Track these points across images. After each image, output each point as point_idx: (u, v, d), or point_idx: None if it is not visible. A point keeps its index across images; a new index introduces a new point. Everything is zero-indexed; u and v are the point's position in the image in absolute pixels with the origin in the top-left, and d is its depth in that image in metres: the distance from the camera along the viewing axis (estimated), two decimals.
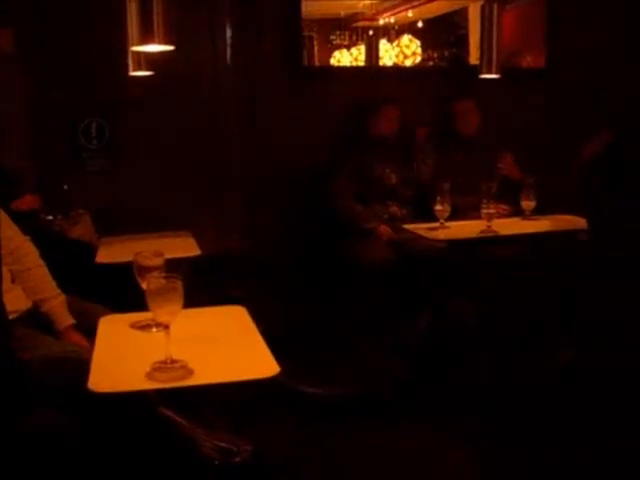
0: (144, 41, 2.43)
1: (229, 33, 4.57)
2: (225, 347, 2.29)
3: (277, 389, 2.36)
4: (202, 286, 3.41)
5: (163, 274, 2.19)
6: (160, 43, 2.42)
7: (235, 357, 2.20)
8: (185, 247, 3.64)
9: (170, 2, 2.46)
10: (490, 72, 3.85)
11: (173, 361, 2.06)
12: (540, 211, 4.25)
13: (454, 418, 3.20)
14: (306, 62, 6.43)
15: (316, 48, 7.29)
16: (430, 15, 7.40)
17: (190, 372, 2.04)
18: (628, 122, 4.30)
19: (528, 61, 5.56)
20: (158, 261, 2.42)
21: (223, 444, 1.95)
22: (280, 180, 4.73)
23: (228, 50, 4.58)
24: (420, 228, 4.08)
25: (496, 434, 3.06)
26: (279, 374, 2.03)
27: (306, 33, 6.69)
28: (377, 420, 3.11)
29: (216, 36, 4.59)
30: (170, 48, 2.46)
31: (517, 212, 4.32)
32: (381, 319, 4.02)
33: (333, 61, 6.90)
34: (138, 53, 3.40)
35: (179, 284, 2.06)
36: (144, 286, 2.22)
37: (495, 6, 3.76)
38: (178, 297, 2.06)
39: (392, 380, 3.39)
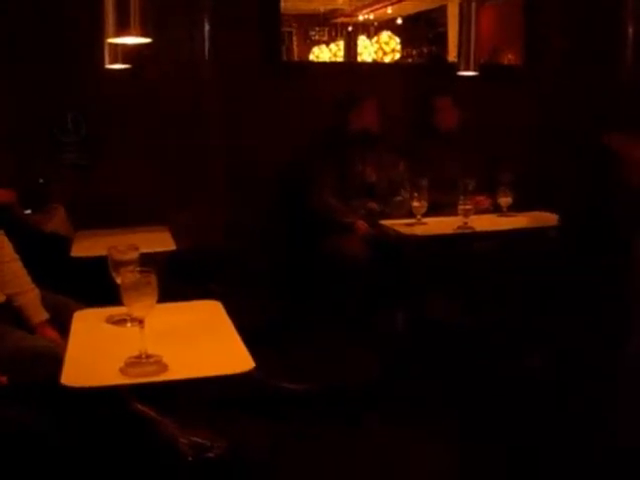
0: (120, 33, 2.41)
1: (207, 27, 4.55)
2: (200, 342, 2.27)
3: (254, 385, 2.35)
4: (179, 281, 3.39)
5: (138, 268, 2.18)
6: (137, 35, 2.40)
7: (210, 352, 2.19)
8: (161, 242, 3.62)
9: None
10: (468, 69, 3.86)
11: (147, 356, 2.05)
12: (517, 207, 4.27)
13: (431, 414, 3.20)
14: (285, 58, 6.44)
15: (295, 44, 7.29)
16: (409, 12, 7.42)
17: (164, 367, 2.03)
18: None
19: (509, 58, 5.59)
20: (133, 255, 2.40)
21: (197, 439, 1.94)
22: (259, 175, 4.71)
23: (207, 45, 4.56)
24: (397, 224, 4.08)
25: (474, 430, 3.06)
26: (255, 369, 2.02)
27: (285, 29, 6.69)
28: (354, 416, 3.11)
29: (195, 31, 4.56)
30: (147, 40, 2.44)
31: (495, 207, 4.34)
32: (359, 314, 4.02)
33: (312, 57, 6.90)
34: (115, 46, 3.38)
35: (153, 278, 2.05)
36: (118, 280, 2.20)
37: (473, 3, 3.78)
38: (152, 291, 2.04)
39: (370, 376, 3.39)
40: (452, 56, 5.92)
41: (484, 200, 4.46)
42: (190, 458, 1.88)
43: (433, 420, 3.13)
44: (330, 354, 3.65)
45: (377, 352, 3.69)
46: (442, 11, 6.95)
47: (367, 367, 3.46)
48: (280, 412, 2.91)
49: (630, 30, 5.15)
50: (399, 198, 4.52)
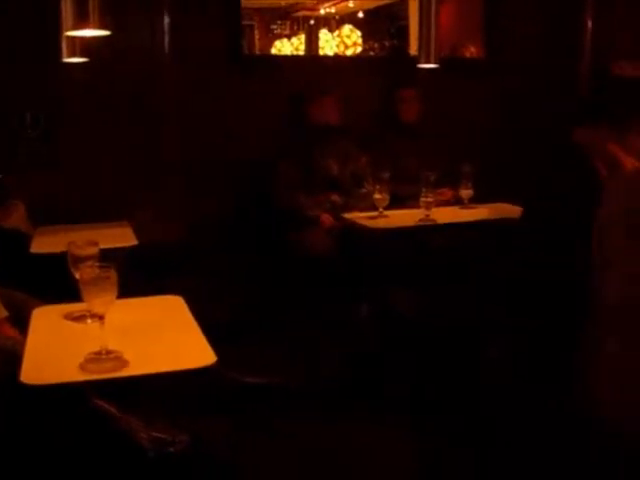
0: (78, 26, 2.38)
1: (167, 21, 4.51)
2: (161, 337, 2.26)
3: (217, 379, 2.34)
4: (140, 276, 3.37)
5: (97, 264, 2.16)
6: (95, 28, 2.38)
7: (171, 347, 2.18)
8: (122, 237, 3.59)
9: None
10: (429, 62, 3.87)
11: (108, 352, 2.04)
12: (479, 199, 4.30)
13: (394, 411, 3.21)
14: (247, 51, 6.42)
15: (257, 37, 7.27)
16: (371, 5, 7.43)
17: (125, 363, 2.02)
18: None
19: (471, 51, 5.63)
20: (92, 250, 2.38)
21: (158, 435, 1.93)
22: (220, 169, 4.69)
23: (166, 38, 4.52)
24: (359, 217, 4.10)
25: (443, 429, 3.07)
26: (217, 364, 2.01)
27: (247, 22, 6.67)
28: (317, 410, 3.11)
29: (154, 23, 4.52)
30: (105, 33, 2.42)
31: (456, 199, 4.37)
32: (323, 308, 4.02)
33: (274, 50, 6.88)
34: (73, 39, 3.33)
35: (113, 273, 2.03)
36: (77, 276, 2.18)
37: None
38: (112, 287, 2.03)
39: (334, 370, 3.39)
40: (414, 49, 5.95)
41: (447, 192, 4.49)
42: (151, 453, 1.87)
43: (395, 412, 3.14)
44: (294, 348, 3.65)
45: (341, 344, 3.69)
46: (403, 4, 6.96)
47: (330, 361, 3.46)
48: (242, 406, 2.90)
49: (589, 23, 5.21)
50: (362, 191, 4.54)
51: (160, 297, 2.61)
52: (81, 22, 2.35)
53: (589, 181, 2.55)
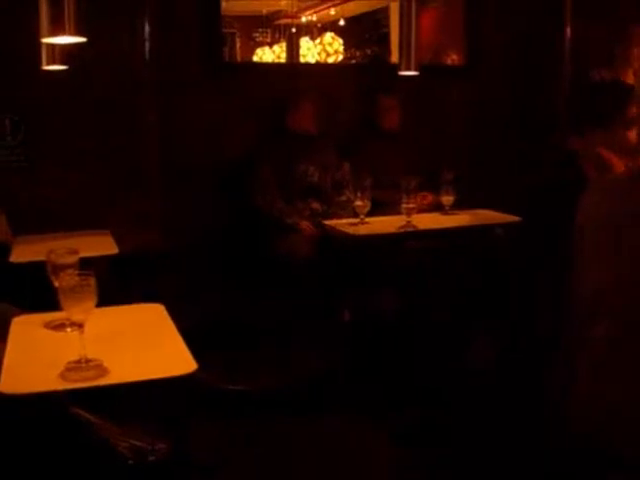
0: (55, 33, 2.37)
1: (148, 29, 4.50)
2: (142, 345, 2.26)
3: (198, 387, 2.34)
4: (121, 285, 3.35)
5: (77, 272, 2.15)
6: (71, 35, 2.37)
7: (152, 355, 2.17)
8: (102, 245, 3.57)
9: None
10: (409, 69, 3.88)
11: (87, 360, 2.02)
12: (460, 205, 4.32)
13: (378, 414, 3.21)
14: (228, 59, 6.43)
15: (238, 45, 7.29)
16: (352, 13, 7.47)
17: (105, 371, 2.00)
18: None
19: (453, 59, 5.66)
20: (72, 259, 2.36)
21: (137, 443, 1.92)
22: (201, 177, 4.68)
23: (147, 45, 4.51)
24: (340, 224, 4.10)
25: (422, 431, 3.08)
26: (198, 371, 2.01)
27: (228, 30, 6.68)
28: (299, 416, 3.11)
29: (135, 31, 4.51)
30: (82, 40, 2.41)
31: (437, 206, 4.38)
32: (304, 314, 4.02)
33: (256, 58, 6.90)
34: (52, 46, 3.32)
35: (92, 281, 2.02)
36: (57, 284, 2.16)
37: (413, 3, 3.79)
38: (91, 295, 2.01)
39: (315, 375, 3.39)
40: (395, 57, 5.97)
41: (428, 196, 4.50)
42: (131, 462, 1.86)
43: (374, 415, 3.14)
44: (275, 354, 3.64)
45: (323, 351, 3.69)
46: (385, 12, 7.00)
47: (313, 366, 3.46)
48: (223, 413, 2.90)
49: (569, 30, 5.25)
50: (343, 198, 4.55)
51: (141, 305, 2.60)
52: (57, 29, 2.34)
53: (576, 184, 2.58)
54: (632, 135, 2.65)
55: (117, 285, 3.24)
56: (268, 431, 2.88)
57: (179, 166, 4.64)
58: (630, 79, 4.32)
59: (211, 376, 2.66)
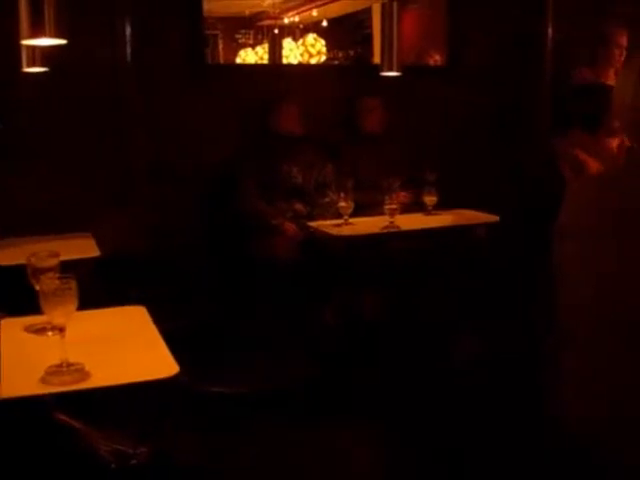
0: (35, 35, 2.36)
1: (129, 30, 4.48)
2: (124, 348, 2.25)
3: (182, 389, 2.33)
4: (104, 288, 3.33)
5: (57, 275, 2.14)
6: (51, 37, 2.35)
7: (134, 358, 2.17)
8: (84, 248, 3.55)
9: None
10: (391, 70, 3.89)
11: (69, 364, 2.02)
12: (442, 206, 4.33)
13: (359, 417, 3.20)
14: (211, 61, 6.39)
15: (221, 47, 7.24)
16: (335, 14, 7.44)
17: (87, 375, 2.00)
18: None
19: (435, 59, 5.67)
20: (53, 262, 2.35)
21: (119, 447, 1.91)
22: (185, 178, 4.66)
23: (128, 47, 4.49)
24: (324, 225, 4.11)
25: (401, 434, 3.08)
26: (180, 374, 2.00)
27: (211, 31, 6.65)
28: (282, 419, 3.10)
29: (116, 33, 4.49)
30: (62, 42, 2.40)
31: (420, 206, 4.39)
32: (288, 316, 4.01)
33: (239, 60, 6.86)
34: (32, 48, 3.30)
35: (73, 284, 2.01)
36: (37, 288, 2.15)
37: (395, 4, 3.80)
38: (72, 298, 2.01)
39: (298, 378, 3.39)
40: (378, 58, 5.97)
41: (406, 195, 4.50)
42: (113, 466, 1.86)
43: (362, 416, 3.14)
44: (259, 357, 3.64)
45: (308, 353, 3.69)
46: (368, 13, 6.99)
47: (297, 368, 3.46)
48: (207, 416, 2.89)
49: (549, 31, 5.27)
50: (326, 199, 4.54)
51: (123, 308, 2.59)
52: (37, 31, 2.33)
53: (557, 184, 2.61)
54: (613, 144, 2.70)
55: (101, 288, 3.23)
56: (252, 433, 2.87)
57: (162, 168, 4.61)
58: (611, 80, 4.34)
59: (194, 379, 2.65)
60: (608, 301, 1.73)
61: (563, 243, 1.89)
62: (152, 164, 4.60)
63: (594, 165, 2.67)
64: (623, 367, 1.75)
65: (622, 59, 4.48)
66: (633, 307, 1.67)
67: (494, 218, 4.12)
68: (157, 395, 2.27)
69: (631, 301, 1.68)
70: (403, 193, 4.39)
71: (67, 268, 2.37)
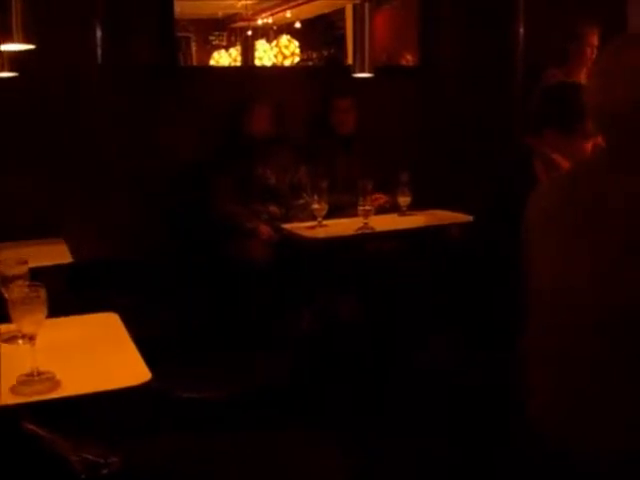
0: (2, 40, 2.34)
1: (99, 33, 4.45)
2: (95, 356, 2.23)
3: (154, 395, 2.31)
4: (77, 295, 3.31)
5: (27, 282, 2.12)
6: (19, 42, 2.34)
7: (105, 365, 2.15)
8: (56, 254, 3.51)
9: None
10: (363, 71, 3.90)
11: (39, 373, 2.00)
12: (417, 206, 4.34)
13: (333, 421, 3.20)
14: (184, 63, 6.38)
15: (194, 49, 7.23)
16: (308, 16, 7.46)
17: (57, 384, 1.98)
18: None
19: (407, 59, 5.69)
20: (21, 269, 2.32)
21: (89, 457, 1.89)
22: (158, 182, 4.63)
23: (99, 51, 4.46)
24: (298, 227, 4.11)
25: (374, 438, 3.07)
26: (153, 381, 1.99)
27: (184, 34, 6.64)
28: (256, 424, 3.08)
29: (87, 36, 4.46)
30: (30, 47, 2.38)
31: (394, 207, 4.40)
32: (263, 320, 4.00)
33: (212, 62, 6.86)
34: (0, 53, 3.27)
35: (42, 292, 1.99)
36: (6, 296, 2.12)
37: (367, 5, 3.81)
38: (42, 306, 1.98)
39: (273, 382, 3.37)
40: (351, 59, 5.98)
41: (381, 197, 4.51)
42: (83, 476, 1.84)
43: (333, 429, 3.13)
44: (234, 361, 3.62)
45: (284, 355, 3.68)
46: (341, 14, 7.00)
47: (273, 372, 3.44)
48: (179, 422, 2.87)
49: (521, 30, 5.30)
50: (301, 201, 4.54)
51: (94, 315, 2.56)
52: (5, 36, 2.31)
53: (531, 183, 2.63)
54: (588, 147, 2.73)
55: (73, 295, 3.20)
56: (224, 440, 2.85)
57: (134, 171, 4.58)
58: (583, 79, 4.37)
59: (167, 385, 2.64)
60: (571, 295, 1.74)
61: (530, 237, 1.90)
62: (125, 167, 4.57)
63: (567, 167, 2.69)
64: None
65: (593, 57, 4.52)
66: (605, 306, 1.67)
67: (468, 218, 4.12)
68: (129, 402, 2.25)
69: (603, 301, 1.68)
70: (377, 194, 4.39)
71: (40, 275, 2.35)
